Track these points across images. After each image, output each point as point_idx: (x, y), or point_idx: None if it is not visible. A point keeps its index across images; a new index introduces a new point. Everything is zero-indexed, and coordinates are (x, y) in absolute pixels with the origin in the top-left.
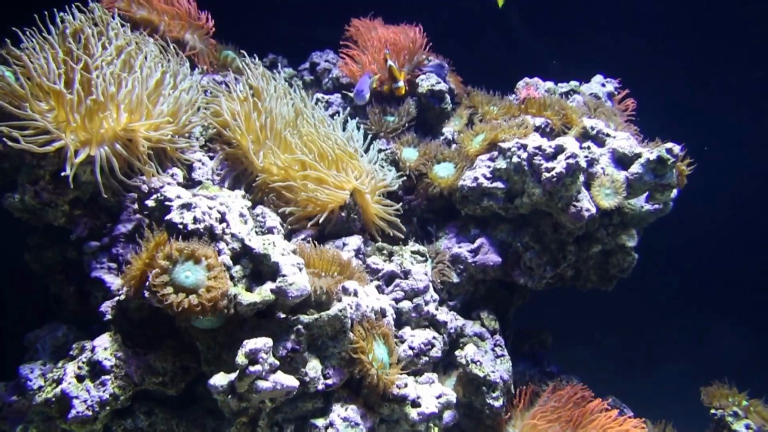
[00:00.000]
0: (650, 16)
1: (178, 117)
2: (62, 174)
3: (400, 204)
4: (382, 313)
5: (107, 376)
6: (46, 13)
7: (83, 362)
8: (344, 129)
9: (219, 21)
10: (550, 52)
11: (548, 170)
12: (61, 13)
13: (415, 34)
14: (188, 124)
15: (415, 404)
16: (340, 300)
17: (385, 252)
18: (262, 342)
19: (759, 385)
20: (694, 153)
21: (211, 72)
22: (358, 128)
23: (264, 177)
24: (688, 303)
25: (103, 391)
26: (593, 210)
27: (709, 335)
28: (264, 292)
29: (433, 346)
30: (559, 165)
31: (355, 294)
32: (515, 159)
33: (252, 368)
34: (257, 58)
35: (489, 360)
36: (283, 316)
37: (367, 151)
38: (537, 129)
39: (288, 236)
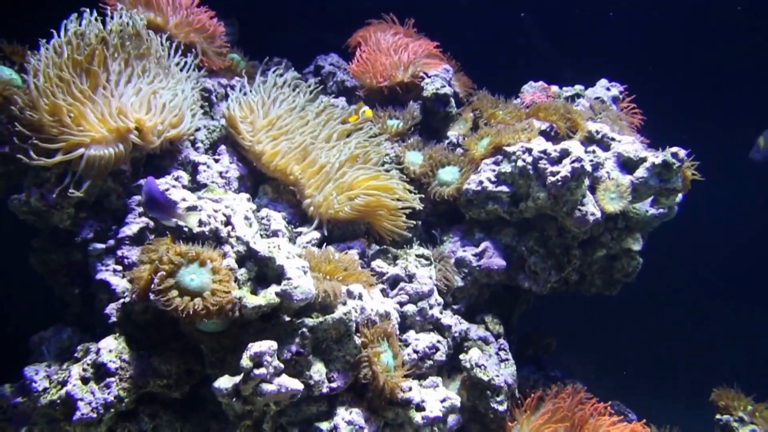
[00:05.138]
0: (665, 27)
1: (182, 118)
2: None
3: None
4: (387, 317)
5: (112, 379)
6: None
7: (88, 364)
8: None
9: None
10: (564, 62)
11: (553, 174)
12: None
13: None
14: (192, 125)
15: (420, 408)
16: (344, 303)
17: (389, 255)
18: (267, 345)
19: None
20: (706, 160)
21: (218, 75)
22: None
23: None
24: (694, 307)
25: (108, 394)
26: (598, 214)
27: (715, 340)
28: (269, 296)
29: (437, 349)
30: (564, 169)
31: (360, 297)
32: (520, 163)
33: (257, 371)
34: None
35: (493, 364)
36: (287, 319)
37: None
38: (542, 133)
39: (293, 239)
